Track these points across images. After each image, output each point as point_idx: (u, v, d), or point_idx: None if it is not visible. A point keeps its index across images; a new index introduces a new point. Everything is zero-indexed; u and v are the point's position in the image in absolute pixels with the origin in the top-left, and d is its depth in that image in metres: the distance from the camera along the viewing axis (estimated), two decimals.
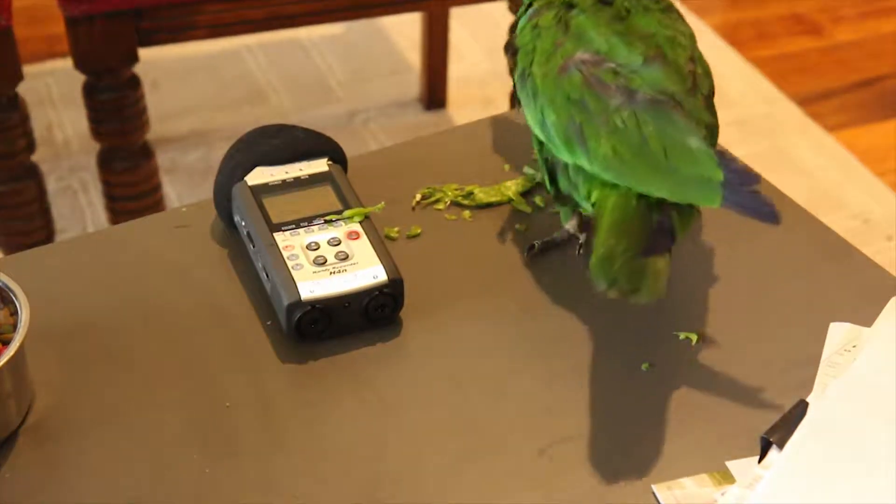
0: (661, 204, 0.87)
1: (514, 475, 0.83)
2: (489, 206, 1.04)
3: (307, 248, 0.93)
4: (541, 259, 0.99)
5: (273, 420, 0.86)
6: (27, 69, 1.66)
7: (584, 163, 0.90)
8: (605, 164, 0.88)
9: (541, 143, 0.96)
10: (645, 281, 0.84)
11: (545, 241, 1.00)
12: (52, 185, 2.00)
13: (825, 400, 0.82)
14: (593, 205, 0.90)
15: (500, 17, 2.34)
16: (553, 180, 0.96)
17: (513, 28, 1.00)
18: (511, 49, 0.99)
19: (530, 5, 0.99)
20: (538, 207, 1.04)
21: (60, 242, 1.08)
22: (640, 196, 0.87)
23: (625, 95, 0.88)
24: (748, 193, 0.85)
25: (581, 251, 0.99)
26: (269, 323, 0.93)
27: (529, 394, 0.88)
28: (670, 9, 0.96)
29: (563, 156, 0.92)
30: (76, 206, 2.01)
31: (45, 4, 2.14)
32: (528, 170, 1.07)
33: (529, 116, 0.95)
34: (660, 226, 0.87)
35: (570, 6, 0.95)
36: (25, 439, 0.85)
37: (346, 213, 0.96)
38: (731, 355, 0.90)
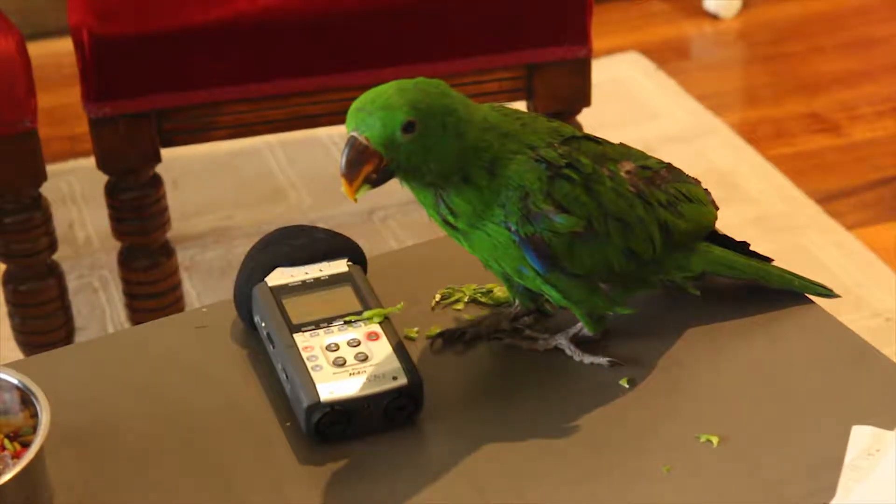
0: None
1: None
2: (508, 304, 1.04)
3: (327, 348, 0.93)
4: (558, 360, 0.99)
5: None
6: (50, 168, 1.67)
7: None
8: None
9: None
10: None
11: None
12: (72, 282, 2.01)
13: None
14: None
15: None
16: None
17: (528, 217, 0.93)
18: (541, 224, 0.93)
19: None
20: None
21: (81, 343, 1.09)
22: None
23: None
24: None
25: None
26: (288, 424, 0.93)
27: (549, 498, 0.87)
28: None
29: None
30: (96, 304, 2.01)
31: (69, 104, 2.16)
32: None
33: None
34: None
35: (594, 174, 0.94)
36: None
37: (366, 313, 0.96)
38: (752, 458, 0.90)
